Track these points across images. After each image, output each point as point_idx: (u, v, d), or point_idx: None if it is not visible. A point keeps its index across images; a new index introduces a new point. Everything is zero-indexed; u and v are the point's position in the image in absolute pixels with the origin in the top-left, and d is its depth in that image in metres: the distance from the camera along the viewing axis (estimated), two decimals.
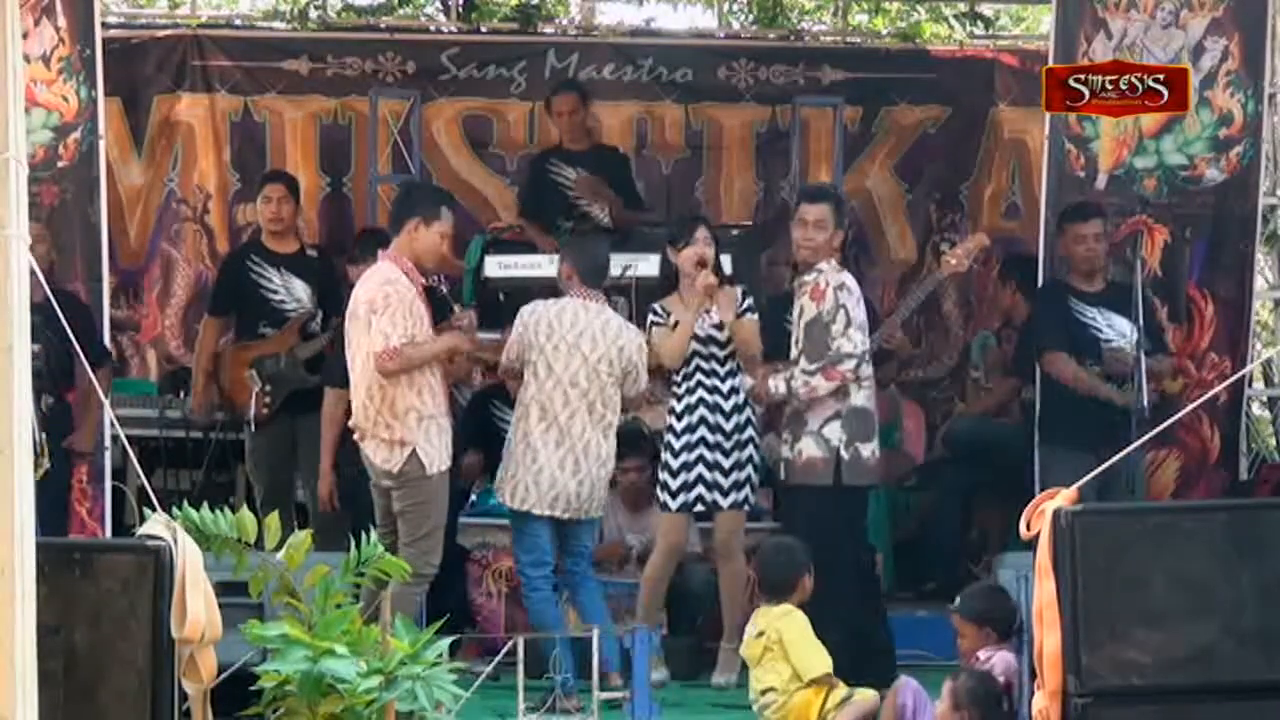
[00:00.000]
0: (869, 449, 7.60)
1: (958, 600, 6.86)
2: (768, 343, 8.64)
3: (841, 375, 7.56)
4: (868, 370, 7.68)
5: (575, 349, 7.64)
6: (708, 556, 8.39)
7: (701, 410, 7.97)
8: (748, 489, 8.00)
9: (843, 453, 7.54)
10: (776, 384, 7.67)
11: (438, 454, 7.32)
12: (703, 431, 7.96)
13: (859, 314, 7.65)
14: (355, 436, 7.44)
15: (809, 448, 7.58)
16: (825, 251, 7.74)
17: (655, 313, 8.05)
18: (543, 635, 7.26)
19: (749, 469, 8.01)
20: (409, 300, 7.25)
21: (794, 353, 7.70)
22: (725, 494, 7.95)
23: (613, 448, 7.80)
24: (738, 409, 8.01)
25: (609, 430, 7.76)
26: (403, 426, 7.24)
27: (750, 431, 8.03)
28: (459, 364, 8.37)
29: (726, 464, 7.96)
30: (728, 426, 7.97)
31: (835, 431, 7.56)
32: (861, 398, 7.61)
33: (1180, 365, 8.38)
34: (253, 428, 8.87)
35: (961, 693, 6.28)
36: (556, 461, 7.61)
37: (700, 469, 7.95)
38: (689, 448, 7.95)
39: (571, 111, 9.94)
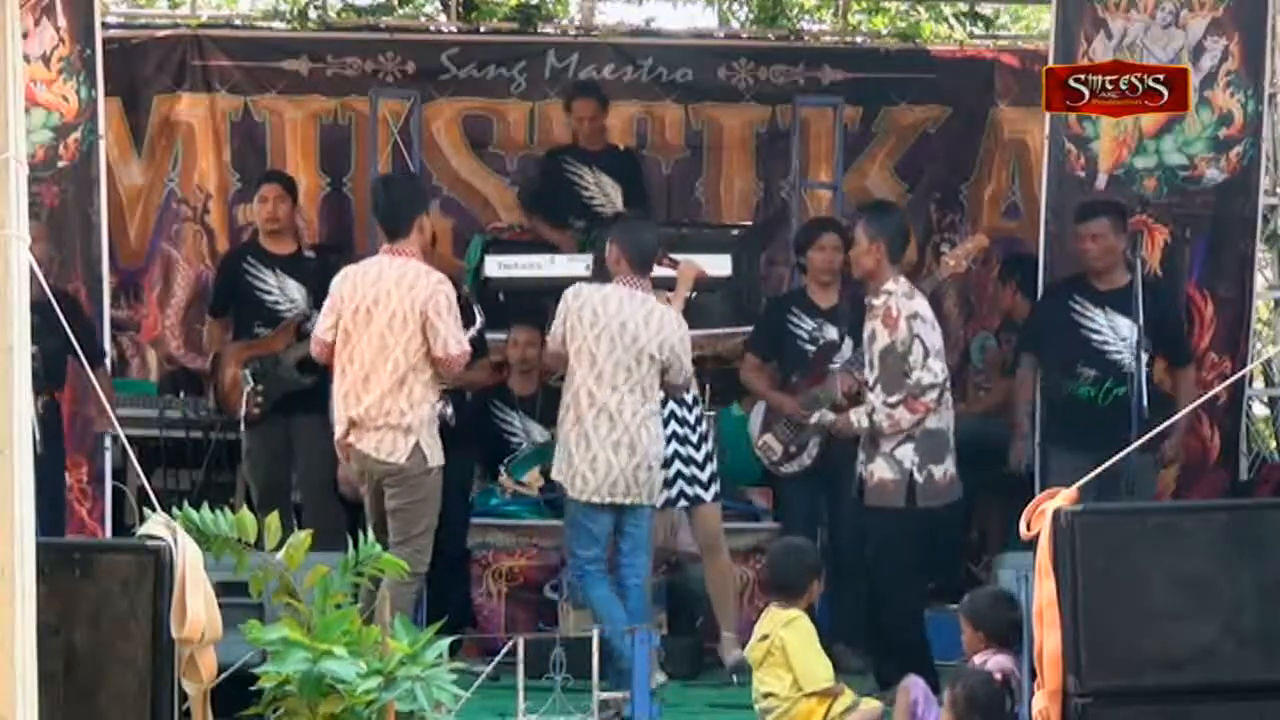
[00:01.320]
0: (941, 470, 7.57)
1: (965, 598, 6.88)
2: (767, 344, 8.65)
3: (925, 406, 7.54)
4: (945, 395, 7.67)
5: (619, 336, 7.50)
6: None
7: (671, 405, 8.01)
8: (719, 481, 8.06)
9: (916, 475, 7.53)
10: (859, 418, 7.66)
11: (438, 447, 7.37)
12: (674, 427, 8.02)
13: (935, 341, 7.61)
14: (349, 437, 7.40)
15: (880, 469, 7.58)
16: (865, 268, 7.76)
17: None
18: (544, 635, 7.27)
19: (715, 461, 8.06)
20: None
21: (868, 375, 7.71)
22: (705, 487, 8.03)
23: (661, 433, 7.71)
24: (696, 402, 8.11)
25: (656, 416, 7.65)
26: (414, 415, 7.28)
27: (706, 424, 8.11)
28: (476, 372, 8.40)
29: (699, 457, 8.02)
30: (691, 420, 8.04)
31: (908, 454, 7.55)
32: (934, 420, 7.60)
33: None
34: (243, 427, 8.86)
35: (961, 702, 6.28)
36: (610, 446, 7.46)
37: (678, 464, 8.00)
38: (665, 443, 7.98)
39: (591, 117, 9.99)
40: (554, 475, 7.72)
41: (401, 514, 7.31)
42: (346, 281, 7.47)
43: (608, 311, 7.52)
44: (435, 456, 7.36)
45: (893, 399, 7.55)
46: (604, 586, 7.51)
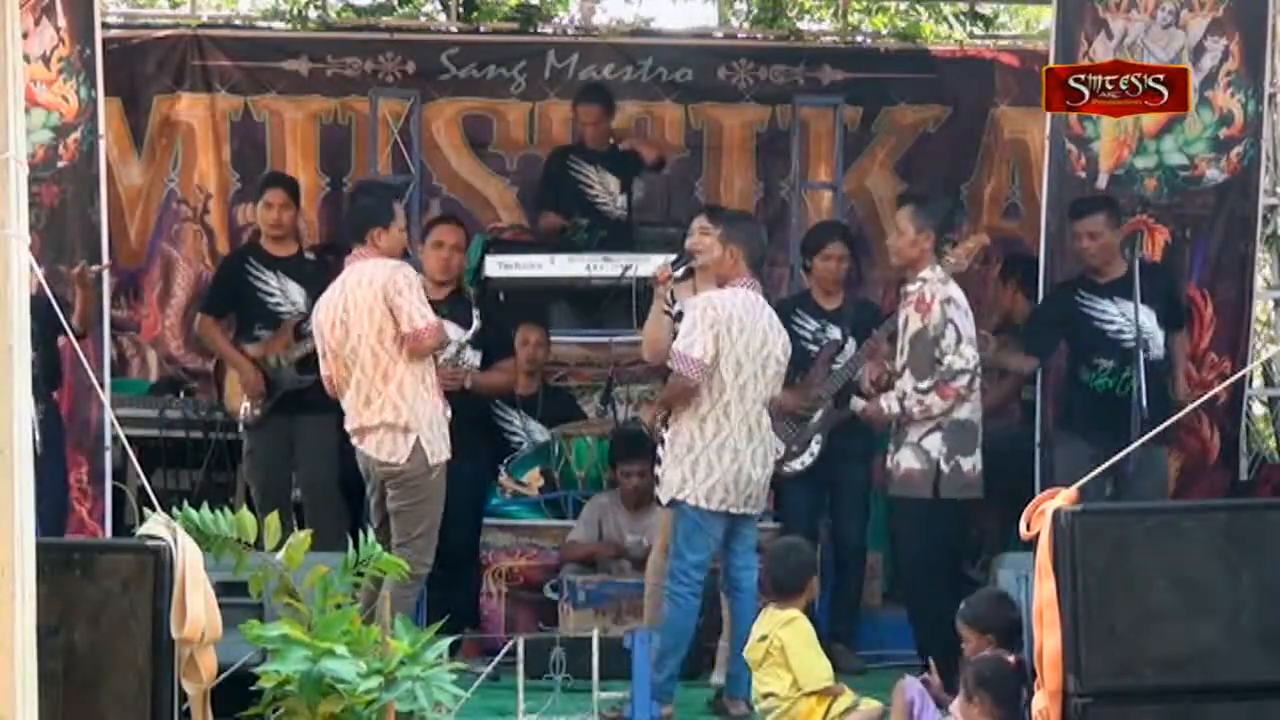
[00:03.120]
0: (970, 462, 7.60)
1: (962, 605, 6.86)
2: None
3: (956, 392, 7.57)
4: (975, 383, 7.67)
5: (754, 339, 7.33)
6: None
7: None
8: None
9: (942, 465, 7.56)
10: (889, 404, 7.68)
11: (439, 446, 7.35)
12: None
13: (968, 327, 7.64)
14: (353, 439, 7.43)
15: (907, 459, 7.61)
16: (908, 256, 7.76)
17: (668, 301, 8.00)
18: (544, 635, 7.26)
19: None
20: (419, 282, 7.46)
21: (898, 363, 7.74)
22: None
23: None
24: None
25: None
26: (410, 412, 7.27)
27: None
28: (495, 374, 8.42)
29: None
30: None
31: (935, 444, 7.57)
32: (965, 410, 7.61)
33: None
34: (243, 428, 8.86)
35: (970, 679, 6.30)
36: (749, 457, 7.31)
37: None
38: None
39: (595, 122, 10.02)
40: (675, 487, 7.30)
41: (402, 515, 7.31)
42: (320, 310, 7.53)
43: (749, 316, 7.33)
44: (438, 454, 7.34)
45: (924, 384, 7.59)
46: (697, 599, 7.31)
